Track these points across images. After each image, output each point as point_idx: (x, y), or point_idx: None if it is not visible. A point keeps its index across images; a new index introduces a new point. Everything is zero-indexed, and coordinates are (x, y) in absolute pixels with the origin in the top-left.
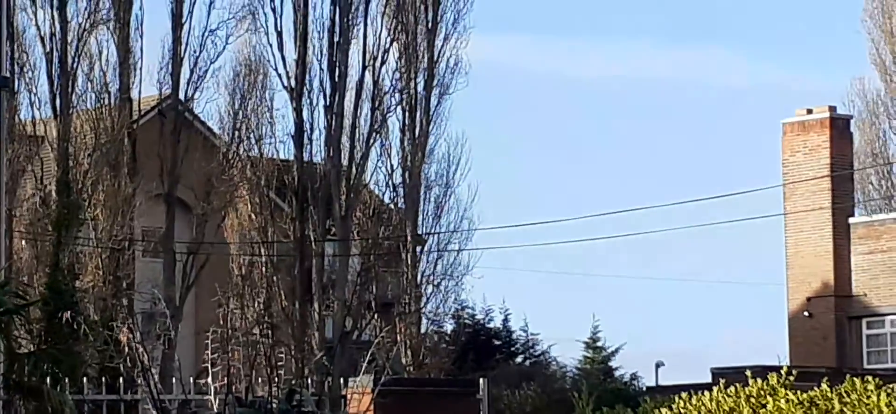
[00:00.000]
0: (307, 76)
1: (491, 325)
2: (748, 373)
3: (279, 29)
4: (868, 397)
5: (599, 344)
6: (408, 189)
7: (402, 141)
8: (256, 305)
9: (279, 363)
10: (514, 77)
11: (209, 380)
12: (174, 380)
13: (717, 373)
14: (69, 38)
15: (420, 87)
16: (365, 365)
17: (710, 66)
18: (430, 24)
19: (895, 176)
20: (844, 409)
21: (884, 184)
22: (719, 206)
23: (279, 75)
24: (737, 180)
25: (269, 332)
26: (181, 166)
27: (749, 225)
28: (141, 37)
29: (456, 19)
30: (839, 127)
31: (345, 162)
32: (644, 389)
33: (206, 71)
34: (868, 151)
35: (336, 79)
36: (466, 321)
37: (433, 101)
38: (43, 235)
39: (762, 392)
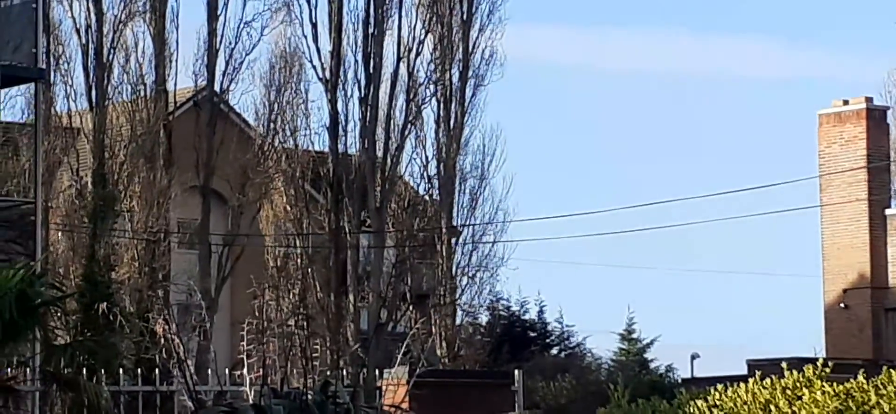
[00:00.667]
0: (342, 68)
1: (526, 316)
2: (784, 365)
3: (314, 20)
4: None
5: (634, 336)
6: (442, 180)
7: (436, 132)
8: (291, 296)
9: (314, 355)
10: (549, 69)
11: (244, 371)
12: (210, 371)
13: (753, 365)
14: (105, 30)
15: (455, 79)
16: (400, 356)
17: (745, 56)
18: (464, 16)
19: None
20: (881, 401)
21: None
22: (755, 198)
23: (314, 67)
24: (773, 172)
25: (305, 323)
26: (216, 158)
27: (785, 217)
28: (176, 28)
29: (491, 10)
30: (876, 118)
31: (379, 153)
32: (679, 380)
33: (242, 63)
34: None
35: (371, 70)
36: (501, 313)
37: (468, 92)
38: (79, 227)
39: (798, 384)
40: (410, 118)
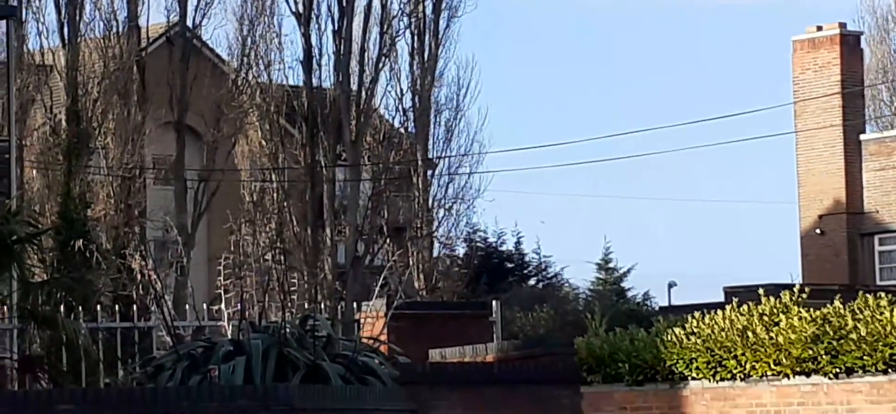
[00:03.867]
0: (315, 1)
1: (503, 248)
2: (761, 291)
3: None
4: (881, 313)
5: (611, 265)
6: (418, 113)
7: (411, 65)
8: (268, 231)
9: (292, 289)
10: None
11: (222, 306)
12: (187, 307)
13: (730, 292)
14: None
15: (429, 10)
16: (377, 289)
17: None
18: None
19: None
20: (857, 325)
21: (894, 100)
22: (731, 125)
23: (287, 1)
24: (748, 99)
25: (282, 257)
26: (190, 94)
27: (760, 144)
28: None
29: None
30: (849, 43)
31: (354, 87)
32: (657, 309)
33: None
34: (879, 68)
35: (344, 3)
36: (479, 244)
37: (442, 24)
38: (54, 165)
39: (775, 310)
40: (384, 51)
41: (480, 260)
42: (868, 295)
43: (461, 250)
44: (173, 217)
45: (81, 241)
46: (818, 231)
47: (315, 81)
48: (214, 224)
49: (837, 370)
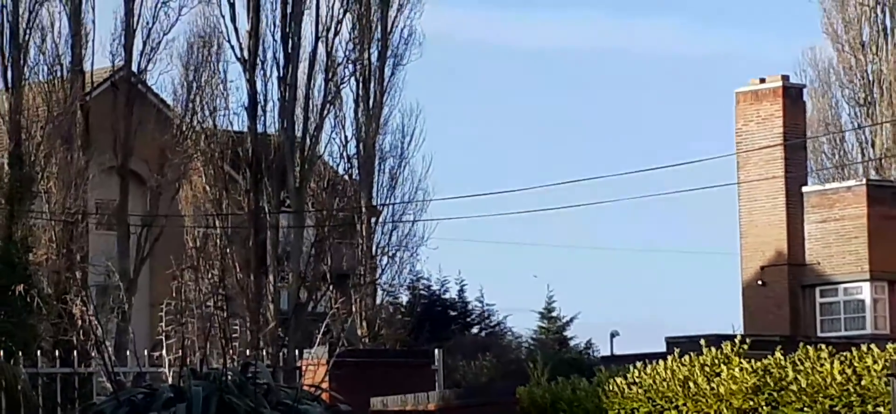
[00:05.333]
0: (260, 47)
1: (446, 296)
2: (702, 342)
3: (232, 0)
4: (821, 365)
5: (554, 314)
6: (362, 160)
7: (356, 112)
8: (211, 276)
9: (234, 335)
10: (468, 48)
11: (163, 352)
12: (129, 353)
13: (672, 342)
14: (21, 10)
15: (374, 59)
16: (320, 336)
17: (663, 36)
18: None
19: (847, 145)
20: (798, 376)
21: (836, 153)
22: (674, 175)
23: (232, 47)
24: (692, 150)
25: (224, 304)
26: (135, 138)
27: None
28: (93, 8)
29: None
30: (792, 96)
31: (299, 133)
32: (599, 358)
33: (160, 43)
34: (820, 120)
35: (289, 50)
36: (422, 292)
37: (387, 72)
38: None
39: (716, 361)
40: (329, 98)
41: (423, 308)
42: (809, 346)
43: (404, 298)
44: (115, 262)
45: (22, 285)
46: (760, 282)
47: (260, 127)
48: (157, 270)
49: None
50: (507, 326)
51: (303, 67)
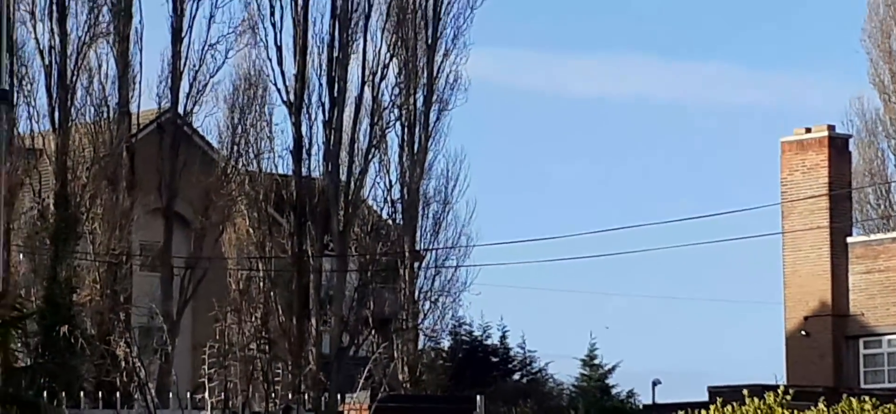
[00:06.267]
0: (306, 91)
1: (488, 341)
2: (745, 392)
3: (279, 43)
4: None
5: (597, 361)
6: (406, 205)
7: (400, 156)
8: (254, 320)
9: (276, 378)
10: (513, 92)
11: (206, 395)
12: (171, 394)
13: (715, 391)
14: (68, 52)
15: (419, 103)
16: (362, 381)
17: (710, 83)
18: (429, 40)
19: (893, 195)
20: None
21: (881, 203)
22: (719, 224)
23: (278, 90)
24: (737, 199)
25: (267, 347)
26: (179, 180)
27: (748, 244)
28: (140, 51)
29: (456, 35)
30: (838, 146)
31: (343, 177)
32: (641, 406)
33: (206, 85)
34: (866, 171)
35: (335, 94)
36: (464, 338)
37: (432, 116)
38: (40, 249)
39: (759, 411)
40: (374, 142)
41: (465, 353)
42: (852, 398)
43: (446, 343)
44: (159, 304)
45: (66, 326)
46: (803, 333)
47: (304, 171)
48: (200, 312)
49: None
50: (548, 372)
51: (348, 111)
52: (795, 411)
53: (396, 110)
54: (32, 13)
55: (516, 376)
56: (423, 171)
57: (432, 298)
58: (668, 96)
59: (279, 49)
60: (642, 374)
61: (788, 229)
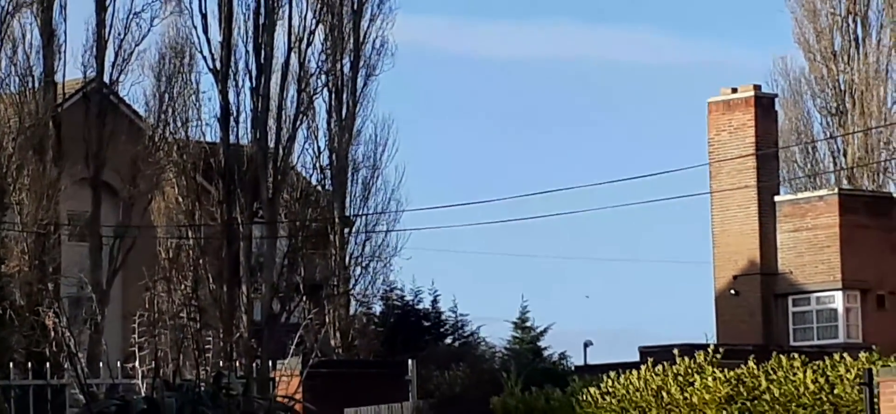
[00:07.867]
0: (233, 58)
1: (420, 306)
2: (675, 351)
3: (204, 11)
4: (794, 374)
5: (528, 324)
6: (335, 171)
7: (328, 123)
8: (184, 288)
9: (207, 346)
10: (441, 58)
11: (137, 364)
12: (101, 364)
13: (645, 351)
14: None
15: (346, 69)
16: (293, 347)
17: (636, 45)
18: (355, 6)
19: (819, 154)
20: (771, 386)
21: (808, 162)
22: (646, 185)
23: (204, 57)
24: (666, 160)
25: (197, 315)
26: (107, 150)
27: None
28: (65, 20)
29: (381, 0)
30: (764, 105)
31: (271, 144)
32: (573, 368)
33: (131, 54)
34: (792, 130)
35: (262, 61)
36: (395, 302)
37: (360, 82)
38: None
39: (689, 370)
40: (302, 109)
41: (397, 318)
42: (782, 356)
43: (378, 308)
44: (88, 274)
45: None
46: (733, 291)
47: (232, 138)
48: (129, 281)
49: None
50: (480, 336)
51: (275, 78)
52: (726, 370)
53: (324, 76)
54: None
55: (448, 340)
56: (352, 137)
57: (363, 264)
58: (594, 58)
59: (204, 16)
60: (574, 335)
61: (716, 189)
